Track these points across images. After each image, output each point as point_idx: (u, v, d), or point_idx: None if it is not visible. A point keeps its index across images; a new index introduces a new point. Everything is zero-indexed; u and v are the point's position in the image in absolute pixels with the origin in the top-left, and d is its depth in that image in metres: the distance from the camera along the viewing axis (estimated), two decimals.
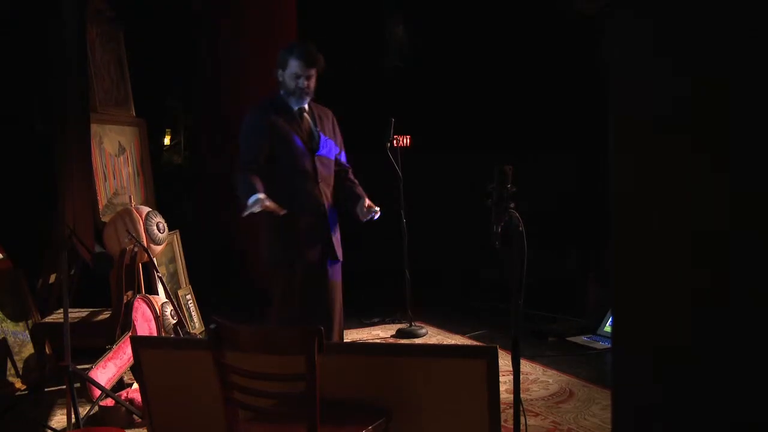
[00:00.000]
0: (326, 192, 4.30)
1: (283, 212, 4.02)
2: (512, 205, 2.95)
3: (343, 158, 4.50)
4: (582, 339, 5.75)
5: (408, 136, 6.17)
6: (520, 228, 2.94)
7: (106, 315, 5.11)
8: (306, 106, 4.29)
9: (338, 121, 4.49)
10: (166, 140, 8.44)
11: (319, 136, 4.29)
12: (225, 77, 7.57)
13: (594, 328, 5.86)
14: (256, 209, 3.93)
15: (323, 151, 4.30)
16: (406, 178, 6.14)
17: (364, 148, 7.07)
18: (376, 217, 4.32)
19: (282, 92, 4.26)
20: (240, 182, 4.05)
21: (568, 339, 5.78)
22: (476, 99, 7.39)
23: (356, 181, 4.53)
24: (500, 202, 2.95)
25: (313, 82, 4.23)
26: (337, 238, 4.34)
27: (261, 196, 3.94)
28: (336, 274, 4.35)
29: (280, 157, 4.19)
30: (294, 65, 4.17)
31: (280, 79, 4.24)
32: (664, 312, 2.37)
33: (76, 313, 5.16)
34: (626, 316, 2.52)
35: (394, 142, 6.09)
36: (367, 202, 4.34)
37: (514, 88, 7.11)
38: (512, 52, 7.12)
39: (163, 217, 5.47)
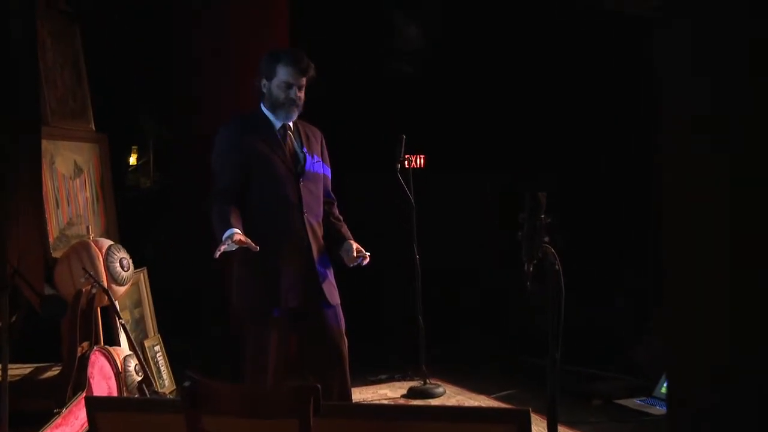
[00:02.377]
0: (312, 224, 4.36)
1: (256, 249, 4.05)
2: (547, 239, 2.97)
3: (328, 187, 4.58)
4: (634, 402, 5.73)
5: (422, 156, 6.21)
6: (557, 266, 2.96)
7: (55, 371, 5.11)
8: (291, 123, 4.38)
9: (330, 141, 4.56)
10: (132, 159, 8.49)
11: (305, 158, 4.37)
12: (205, 84, 7.58)
13: (649, 389, 5.83)
14: (231, 247, 3.98)
15: (310, 176, 4.37)
16: (419, 205, 6.17)
17: (366, 169, 7.12)
18: (365, 263, 4.39)
19: (263, 106, 4.35)
20: (214, 216, 4.13)
21: (617, 402, 5.75)
22: (503, 110, 7.46)
23: (341, 217, 4.60)
24: (532, 235, 2.97)
25: (303, 94, 4.33)
26: (329, 280, 4.38)
27: (234, 230, 3.99)
28: (333, 318, 4.38)
29: (258, 184, 4.27)
30: (283, 73, 4.26)
31: (264, 90, 4.33)
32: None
33: (18, 370, 5.12)
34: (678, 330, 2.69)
35: (406, 162, 6.12)
36: (355, 245, 4.39)
37: (549, 96, 7.19)
38: (545, 54, 7.22)
39: (128, 252, 5.48)
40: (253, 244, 4.03)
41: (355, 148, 7.11)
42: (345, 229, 4.53)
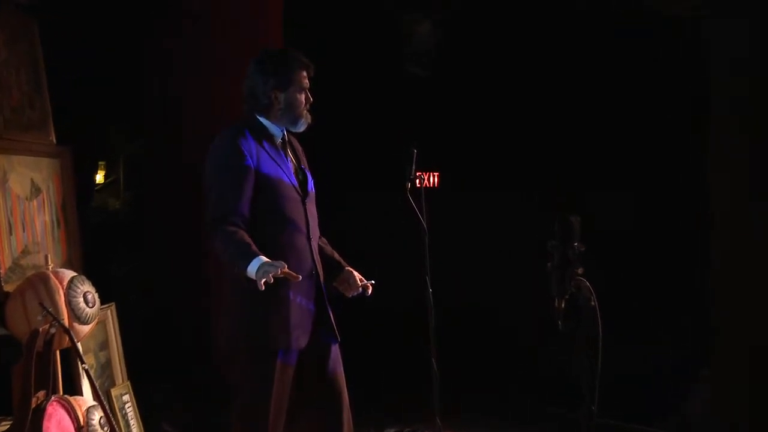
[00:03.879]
0: (316, 252, 4.44)
1: (299, 278, 4.07)
2: (580, 270, 2.93)
3: None
4: None
5: (435, 173, 6.17)
6: (593, 302, 2.92)
7: (5, 426, 5.05)
8: (285, 134, 4.48)
9: (329, 155, 4.58)
10: (100, 177, 8.47)
11: (306, 176, 4.48)
12: (186, 88, 7.55)
13: None
14: (270, 277, 3.91)
15: (311, 197, 4.47)
16: (433, 230, 6.13)
17: (370, 188, 7.10)
18: (369, 293, 4.46)
19: (260, 116, 4.38)
20: (224, 244, 4.09)
21: None
22: (530, 119, 7.45)
23: (325, 240, 4.64)
24: (564, 265, 2.96)
25: None
26: (332, 313, 4.44)
27: (265, 259, 3.97)
28: (339, 358, 4.44)
29: (265, 207, 4.27)
30: (298, 78, 4.36)
31: (276, 102, 4.36)
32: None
33: None
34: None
35: (417, 180, 6.09)
36: (356, 274, 4.48)
37: (584, 104, 7.19)
38: (577, 57, 7.24)
39: (94, 286, 5.41)
40: (295, 274, 4.03)
41: (357, 163, 7.10)
42: (337, 255, 4.60)
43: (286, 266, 3.95)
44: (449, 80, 7.79)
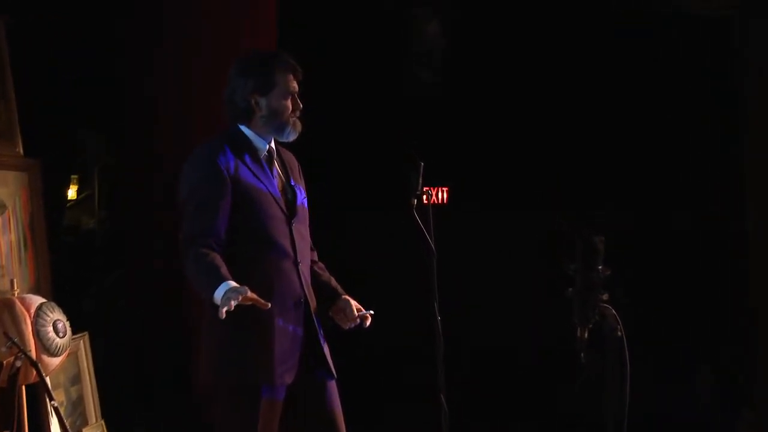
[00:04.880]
0: (306, 277, 4.37)
1: (267, 306, 3.99)
2: (605, 296, 2.91)
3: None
4: None
5: (444, 188, 6.15)
6: (619, 331, 2.90)
7: None
8: (273, 146, 4.41)
9: (325, 169, 4.54)
10: (72, 192, 8.46)
11: (295, 193, 4.40)
12: (167, 96, 7.55)
13: None
14: (232, 304, 3.84)
15: (300, 216, 4.39)
16: (441, 251, 6.09)
17: (371, 206, 7.08)
18: (367, 323, 4.39)
19: (244, 126, 4.32)
20: (194, 266, 4.05)
21: None
22: (549, 127, 7.44)
23: (323, 266, 4.59)
24: (587, 291, 2.92)
25: None
26: (327, 346, 4.38)
27: (233, 284, 3.91)
28: (335, 396, 4.36)
29: (244, 227, 4.21)
30: (285, 80, 4.29)
31: (256, 108, 4.29)
32: None
33: None
34: None
35: (424, 196, 6.06)
36: (354, 303, 4.40)
37: (608, 110, 7.20)
38: (599, 59, 7.30)
39: (65, 313, 5.40)
40: (263, 301, 3.97)
41: (357, 177, 7.07)
42: (334, 282, 4.53)
43: (249, 291, 3.87)
44: (459, 84, 7.77)
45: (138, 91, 7.75)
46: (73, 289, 7.02)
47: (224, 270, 3.98)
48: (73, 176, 8.45)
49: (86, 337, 6.29)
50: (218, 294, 3.88)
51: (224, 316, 3.83)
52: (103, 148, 8.44)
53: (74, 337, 5.72)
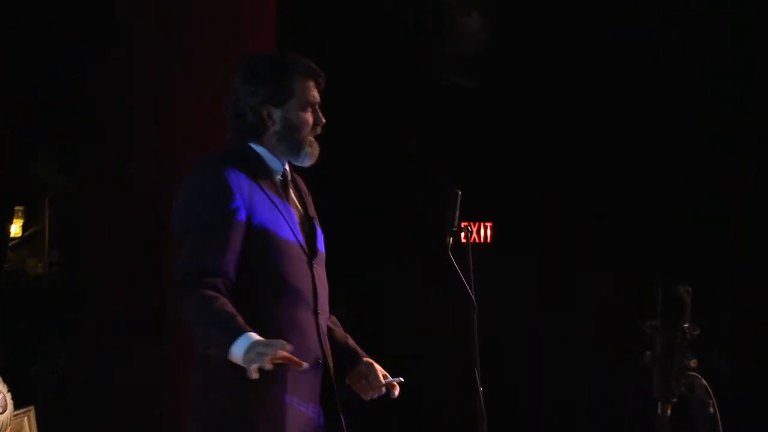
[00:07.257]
0: (324, 333, 4.32)
1: (305, 366, 3.95)
2: (694, 363, 2.91)
3: None
4: None
5: (488, 223, 6.18)
6: (712, 407, 2.90)
7: None
8: (287, 168, 4.32)
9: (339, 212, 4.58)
10: (16, 228, 8.50)
11: (314, 228, 4.36)
12: (142, 104, 7.60)
13: None
14: (267, 363, 3.78)
15: (320, 257, 4.34)
16: (482, 302, 6.10)
17: (395, 244, 7.11)
18: (395, 394, 4.37)
19: (255, 144, 4.31)
20: (198, 311, 3.99)
21: None
22: (621, 149, 7.44)
23: (336, 319, 4.56)
24: (670, 356, 2.91)
25: None
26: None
27: (256, 336, 3.84)
28: None
29: (259, 266, 4.19)
30: (302, 89, 4.30)
31: (269, 121, 4.29)
32: None
33: None
34: None
35: (462, 234, 6.07)
36: (378, 367, 4.34)
37: (694, 129, 7.21)
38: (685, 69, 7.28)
39: (6, 383, 5.43)
40: (297, 359, 3.89)
41: (378, 209, 7.09)
42: (351, 340, 4.50)
43: (288, 345, 3.79)
44: (507, 95, 7.81)
45: (106, 98, 7.80)
46: (18, 354, 7.06)
47: (240, 319, 3.90)
48: (17, 207, 8.51)
49: (31, 413, 6.12)
50: (238, 349, 3.82)
51: (256, 375, 3.77)
52: (57, 173, 8.48)
53: (17, 412, 5.73)
